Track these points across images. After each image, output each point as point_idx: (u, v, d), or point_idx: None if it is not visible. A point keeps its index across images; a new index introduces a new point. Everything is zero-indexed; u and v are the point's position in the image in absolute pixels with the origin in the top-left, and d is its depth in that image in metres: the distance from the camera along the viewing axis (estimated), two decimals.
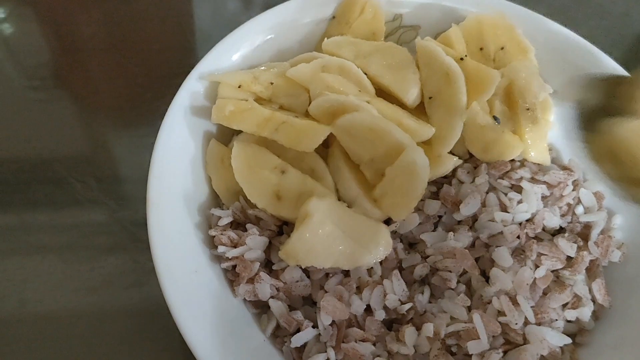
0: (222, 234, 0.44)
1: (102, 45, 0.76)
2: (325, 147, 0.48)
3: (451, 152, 0.50)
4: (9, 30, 0.75)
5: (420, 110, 0.48)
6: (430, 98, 0.47)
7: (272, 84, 0.48)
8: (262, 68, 0.49)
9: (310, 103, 0.48)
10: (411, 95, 0.47)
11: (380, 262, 0.46)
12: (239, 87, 0.48)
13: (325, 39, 0.51)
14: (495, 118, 0.49)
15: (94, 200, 0.60)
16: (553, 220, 0.49)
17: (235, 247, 0.44)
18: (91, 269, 0.55)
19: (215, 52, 0.50)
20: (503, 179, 0.50)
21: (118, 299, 0.53)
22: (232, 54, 0.51)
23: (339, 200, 0.46)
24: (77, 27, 0.78)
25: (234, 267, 0.44)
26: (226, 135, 0.49)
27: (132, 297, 0.53)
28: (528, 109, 0.50)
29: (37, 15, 0.77)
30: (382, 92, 0.49)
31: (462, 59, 0.49)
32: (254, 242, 0.44)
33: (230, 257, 0.44)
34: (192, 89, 0.48)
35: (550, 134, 0.54)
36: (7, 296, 0.53)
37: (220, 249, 0.44)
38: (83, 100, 0.72)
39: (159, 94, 0.70)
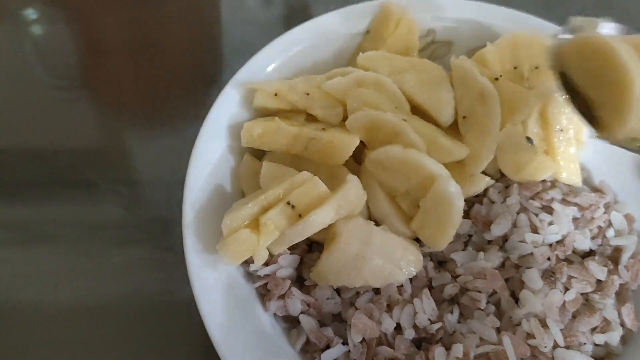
0: None
1: (128, 47, 0.76)
2: (359, 164, 0.48)
3: (483, 171, 0.50)
4: (38, 31, 0.76)
5: (453, 129, 0.48)
6: (464, 117, 0.47)
7: (307, 94, 0.48)
8: (299, 79, 0.49)
9: (343, 115, 0.48)
10: (445, 115, 0.47)
11: (411, 281, 0.46)
12: (275, 95, 0.48)
13: (360, 53, 0.51)
14: (528, 139, 0.49)
15: (113, 198, 0.61)
16: (584, 242, 0.49)
17: (267, 265, 0.44)
18: (105, 263, 0.56)
19: (252, 63, 0.50)
20: (534, 200, 0.50)
21: (134, 293, 0.54)
22: (268, 65, 0.51)
23: (369, 218, 0.46)
24: (105, 30, 0.78)
25: (266, 283, 0.44)
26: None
27: (146, 290, 0.54)
28: (562, 130, 0.50)
29: (67, 17, 0.78)
30: (416, 109, 0.49)
31: (497, 79, 0.49)
32: (286, 261, 0.45)
33: (262, 276, 0.44)
34: (229, 98, 0.48)
35: (581, 154, 0.54)
36: (19, 287, 0.54)
37: (253, 266, 0.44)
38: (108, 101, 0.73)
39: (183, 97, 0.71)
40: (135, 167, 0.65)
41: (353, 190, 0.43)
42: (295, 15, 0.82)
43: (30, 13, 0.76)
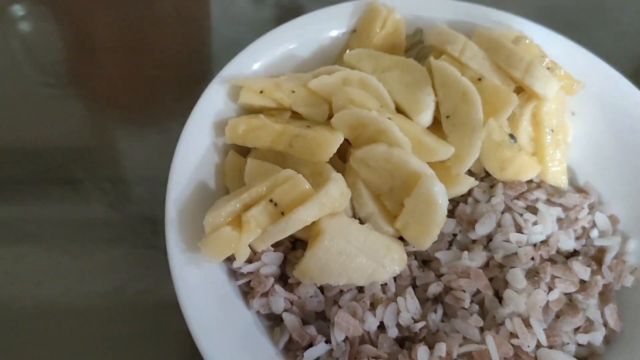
0: None
1: (119, 45, 0.76)
2: (344, 162, 0.48)
3: (468, 170, 0.50)
4: (27, 28, 0.75)
5: (438, 128, 0.48)
6: (447, 117, 0.47)
7: (293, 92, 0.48)
8: (285, 77, 0.49)
9: (329, 114, 0.48)
10: (422, 118, 0.47)
11: (395, 279, 0.46)
12: (261, 92, 0.48)
13: (347, 51, 0.51)
14: (511, 136, 0.49)
15: (99, 196, 0.60)
16: (568, 243, 0.49)
17: (250, 262, 0.44)
18: (89, 261, 0.56)
19: (238, 60, 0.50)
20: (519, 200, 0.50)
21: (118, 292, 0.54)
22: (254, 62, 0.51)
23: (354, 216, 0.46)
24: (95, 27, 0.78)
25: (249, 281, 0.44)
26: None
27: (131, 288, 0.54)
28: (552, 131, 0.50)
29: (56, 14, 0.77)
30: (400, 108, 0.49)
31: (479, 79, 0.49)
32: (269, 258, 0.44)
33: (245, 273, 0.44)
34: (214, 94, 0.48)
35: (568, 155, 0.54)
36: (3, 287, 0.53)
37: (236, 264, 0.44)
38: (97, 99, 0.72)
39: (172, 96, 0.71)
40: (122, 165, 0.65)
41: (337, 187, 0.42)
42: (286, 15, 0.81)
43: (18, 10, 0.75)
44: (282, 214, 0.41)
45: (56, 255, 0.56)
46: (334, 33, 0.55)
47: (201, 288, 0.42)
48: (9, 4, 0.76)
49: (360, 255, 0.43)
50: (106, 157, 0.65)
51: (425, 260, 0.49)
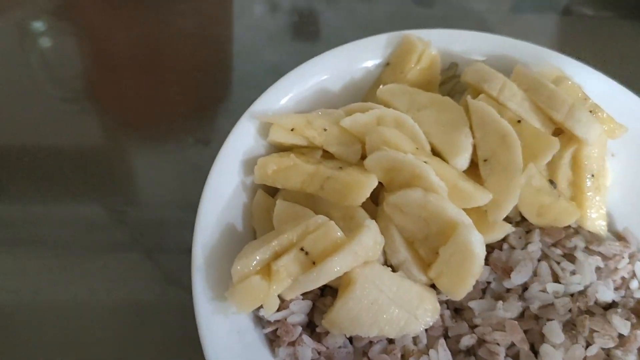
0: None
1: (138, 62, 0.75)
2: (376, 205, 0.46)
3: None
4: (47, 44, 0.74)
5: (475, 172, 0.47)
6: (485, 160, 0.45)
7: (325, 130, 0.46)
8: (316, 113, 0.48)
9: (362, 154, 0.46)
10: (459, 161, 0.46)
11: (426, 330, 0.44)
12: (292, 130, 0.46)
13: (380, 85, 0.49)
14: (551, 182, 0.47)
15: (112, 217, 0.60)
16: (606, 294, 0.47)
17: (278, 310, 0.42)
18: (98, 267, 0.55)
19: (268, 94, 0.48)
20: (556, 247, 0.48)
21: (115, 297, 0.54)
22: (285, 96, 0.49)
23: (385, 263, 0.45)
24: (115, 44, 0.77)
25: (276, 329, 0.42)
26: None
27: (135, 295, 0.54)
28: (593, 176, 0.48)
29: (76, 30, 0.76)
30: (435, 149, 0.47)
31: (519, 121, 0.47)
32: (298, 307, 0.43)
33: (272, 321, 0.42)
34: (243, 130, 0.47)
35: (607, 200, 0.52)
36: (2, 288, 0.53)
37: (263, 311, 0.42)
38: (114, 115, 0.71)
39: (191, 114, 0.70)
40: (134, 180, 0.65)
41: (370, 236, 0.41)
42: (302, 22, 0.80)
43: (40, 25, 0.74)
44: (314, 263, 0.40)
45: (56, 259, 0.56)
46: (367, 65, 0.53)
47: (227, 338, 0.40)
48: (31, 20, 0.75)
49: (392, 305, 0.41)
50: (118, 173, 0.65)
51: (457, 309, 0.47)
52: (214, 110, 0.73)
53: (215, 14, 0.83)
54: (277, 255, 0.40)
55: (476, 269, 0.42)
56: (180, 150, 0.66)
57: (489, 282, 0.47)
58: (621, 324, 0.45)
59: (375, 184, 0.43)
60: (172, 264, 0.56)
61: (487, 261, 0.47)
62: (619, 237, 0.51)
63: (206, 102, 0.73)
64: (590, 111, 0.47)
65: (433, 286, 0.45)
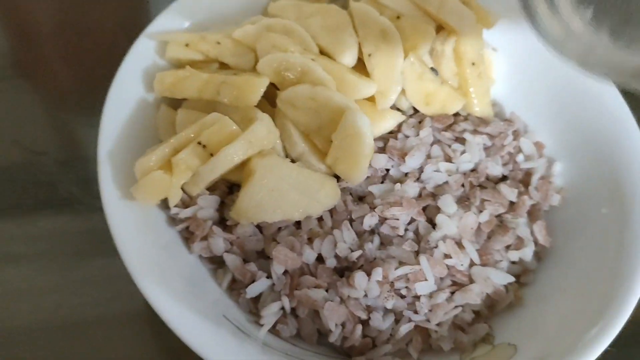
0: None
1: (56, 28, 0.76)
2: (273, 107, 0.49)
3: (397, 109, 0.52)
4: None
5: (362, 68, 0.50)
6: (369, 55, 0.49)
7: (218, 43, 0.49)
8: (210, 30, 0.50)
9: (255, 61, 0.49)
10: (345, 58, 0.49)
11: (331, 214, 0.47)
12: (187, 45, 0.49)
13: (271, 2, 0.52)
14: (432, 69, 0.51)
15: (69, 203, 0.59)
16: (495, 168, 0.51)
17: (187, 207, 0.45)
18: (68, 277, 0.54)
19: (165, 16, 0.51)
20: (447, 132, 0.52)
21: (98, 306, 0.53)
22: (182, 18, 0.52)
23: (286, 157, 0.48)
24: (31, 13, 0.77)
25: (188, 226, 0.45)
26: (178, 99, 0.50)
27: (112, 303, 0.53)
28: (473, 64, 0.52)
29: None
30: (323, 52, 0.51)
31: (398, 17, 0.50)
32: (205, 201, 0.45)
33: (183, 218, 0.45)
34: (141, 50, 0.49)
35: (493, 90, 0.56)
36: None
37: (173, 210, 0.45)
38: (44, 87, 0.71)
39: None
40: (78, 158, 0.63)
41: (263, 126, 0.44)
42: None
43: None
44: (211, 155, 0.43)
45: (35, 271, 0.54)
46: None
47: (140, 235, 0.43)
48: None
49: (292, 191, 0.45)
50: (60, 151, 0.64)
51: (360, 197, 0.50)
52: None
53: None
54: (176, 151, 0.43)
55: (367, 149, 0.45)
56: None
57: (387, 170, 0.51)
58: (509, 192, 0.50)
59: (267, 82, 0.46)
60: None
61: (384, 150, 0.50)
62: (505, 120, 0.55)
63: None
64: (464, 2, 0.51)
65: (335, 177, 0.48)
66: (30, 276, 0.54)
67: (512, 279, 0.47)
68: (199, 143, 0.43)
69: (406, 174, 0.50)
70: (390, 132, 0.51)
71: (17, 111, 0.66)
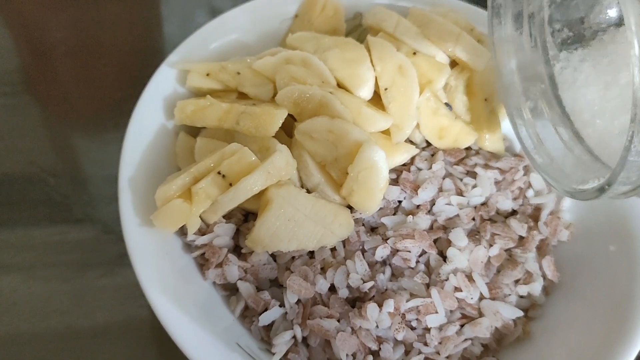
0: None
1: (71, 49, 0.77)
2: (289, 137, 0.50)
3: (411, 142, 0.53)
4: None
5: (378, 101, 0.51)
6: (385, 89, 0.50)
7: (238, 73, 0.50)
8: (230, 60, 0.52)
9: (274, 92, 0.50)
10: (362, 91, 0.50)
11: (344, 245, 0.48)
12: (207, 75, 0.50)
13: (290, 34, 0.54)
14: (447, 105, 0.52)
15: (66, 213, 0.60)
16: (505, 203, 0.52)
17: (203, 235, 0.46)
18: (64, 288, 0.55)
19: (186, 46, 0.52)
20: (458, 166, 0.53)
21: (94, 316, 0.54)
22: (202, 48, 0.53)
23: (302, 187, 0.49)
24: (47, 32, 0.79)
25: (204, 252, 0.46)
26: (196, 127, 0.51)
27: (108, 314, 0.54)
28: (486, 100, 0.54)
29: (7, 21, 0.78)
30: (341, 84, 0.52)
31: (414, 53, 0.52)
32: (222, 229, 0.46)
33: (199, 245, 0.46)
34: (162, 79, 0.50)
35: (504, 124, 0.57)
36: None
37: (190, 237, 0.46)
38: (53, 105, 0.72)
39: (130, 95, 0.72)
40: (82, 175, 0.65)
41: (282, 157, 0.45)
42: None
43: None
44: (230, 184, 0.44)
45: (19, 281, 0.55)
46: (277, 18, 0.57)
47: (158, 262, 0.44)
48: None
49: (308, 221, 0.45)
50: (65, 167, 0.65)
51: (373, 228, 0.51)
52: None
53: None
54: (196, 180, 0.44)
55: (382, 182, 0.46)
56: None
57: (400, 201, 0.51)
58: (519, 226, 0.51)
59: (285, 114, 0.47)
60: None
61: (397, 182, 0.51)
62: (516, 155, 0.56)
63: (143, 81, 0.75)
64: (478, 40, 0.53)
65: (349, 208, 0.49)
66: (26, 286, 0.55)
67: (520, 313, 0.48)
68: (219, 173, 0.43)
69: (418, 206, 0.51)
70: (404, 165, 0.52)
71: (23, 125, 0.68)
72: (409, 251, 0.48)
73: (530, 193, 0.54)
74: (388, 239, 0.49)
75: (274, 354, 0.44)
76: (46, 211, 0.60)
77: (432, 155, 0.53)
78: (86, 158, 0.67)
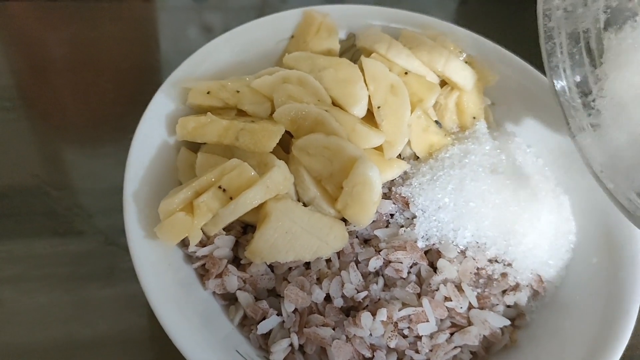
0: None
1: (70, 65, 0.79)
2: (286, 153, 0.52)
3: (402, 158, 0.56)
4: None
5: (371, 119, 0.53)
6: (378, 107, 0.52)
7: (237, 92, 0.52)
8: (229, 79, 0.54)
9: (271, 110, 0.52)
10: (356, 109, 0.52)
11: (339, 256, 0.50)
12: (208, 93, 0.52)
13: (286, 54, 0.56)
14: (437, 122, 0.55)
15: (63, 226, 0.61)
16: None
17: (204, 246, 0.48)
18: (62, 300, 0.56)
19: (186, 65, 0.54)
20: None
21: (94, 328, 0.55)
22: (202, 67, 0.55)
23: (298, 201, 0.51)
24: (47, 49, 0.80)
25: (204, 263, 0.48)
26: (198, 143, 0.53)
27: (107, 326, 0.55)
28: (474, 117, 0.56)
29: (6, 37, 0.80)
30: (335, 103, 0.54)
31: (406, 73, 0.54)
32: (222, 241, 0.48)
33: (200, 256, 0.47)
34: (164, 97, 0.52)
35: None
36: None
37: (192, 248, 0.48)
38: (53, 120, 0.74)
39: (128, 111, 0.73)
40: (78, 190, 0.66)
41: (280, 172, 0.47)
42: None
43: None
44: (231, 198, 0.46)
45: (36, 293, 0.56)
46: (274, 39, 0.60)
47: (161, 273, 0.45)
48: None
49: (304, 234, 0.47)
50: (62, 181, 0.66)
51: (366, 240, 0.53)
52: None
53: (140, 15, 0.88)
54: (198, 194, 0.46)
55: (375, 196, 0.48)
56: (122, 149, 0.68)
57: (392, 214, 0.54)
58: None
59: (283, 130, 0.49)
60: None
61: (389, 196, 0.54)
62: None
63: (142, 97, 0.77)
64: (466, 62, 0.55)
65: (343, 221, 0.51)
66: (28, 297, 0.56)
67: (508, 322, 0.50)
68: (220, 187, 0.45)
69: (409, 219, 0.53)
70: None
71: (24, 138, 0.69)
72: (401, 262, 0.50)
73: None
74: (381, 250, 0.51)
75: None
76: (48, 223, 0.62)
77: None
78: (86, 171, 0.69)
